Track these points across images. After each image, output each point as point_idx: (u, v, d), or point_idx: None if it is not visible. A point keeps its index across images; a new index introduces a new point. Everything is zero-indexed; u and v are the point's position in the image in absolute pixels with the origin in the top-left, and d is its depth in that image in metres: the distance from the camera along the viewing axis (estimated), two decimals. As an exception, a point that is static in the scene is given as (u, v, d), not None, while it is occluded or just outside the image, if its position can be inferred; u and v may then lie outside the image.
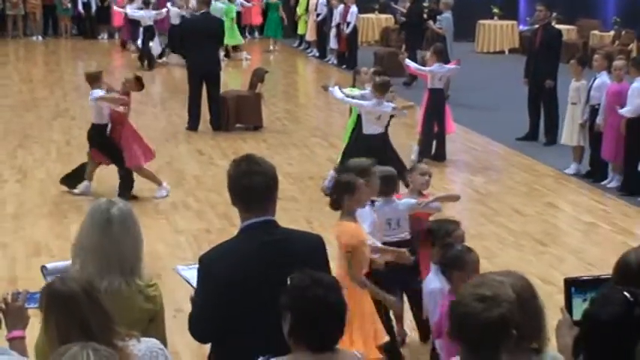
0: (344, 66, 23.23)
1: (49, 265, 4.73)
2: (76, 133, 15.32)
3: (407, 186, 8.19)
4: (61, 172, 12.22)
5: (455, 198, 8.73)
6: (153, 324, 4.39)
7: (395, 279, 7.06)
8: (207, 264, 4.39)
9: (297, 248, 4.42)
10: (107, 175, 11.90)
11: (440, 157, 13.86)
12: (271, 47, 26.86)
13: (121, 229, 4.29)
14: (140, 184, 11.93)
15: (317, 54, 25.85)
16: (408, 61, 14.55)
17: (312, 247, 4.49)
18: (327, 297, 3.61)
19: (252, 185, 4.36)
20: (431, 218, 7.54)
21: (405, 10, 22.57)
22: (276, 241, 4.39)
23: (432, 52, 14.27)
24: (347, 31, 23.25)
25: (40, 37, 28.36)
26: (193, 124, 15.87)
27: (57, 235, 10.23)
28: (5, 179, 12.57)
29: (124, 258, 4.30)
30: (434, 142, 13.95)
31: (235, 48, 25.35)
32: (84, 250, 4.34)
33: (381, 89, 11.15)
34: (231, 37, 23.99)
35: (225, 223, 10.44)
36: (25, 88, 20.08)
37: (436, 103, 13.83)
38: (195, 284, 4.51)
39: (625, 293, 3.49)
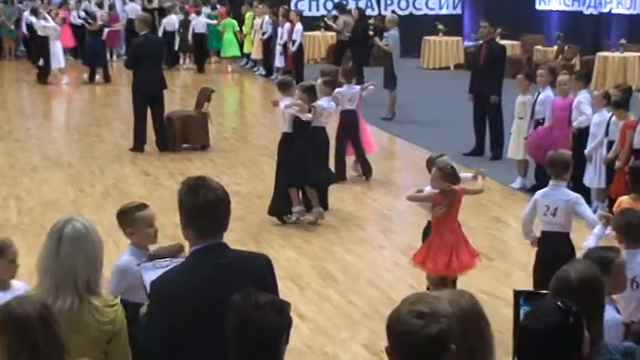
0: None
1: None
2: (20, 156, 15.17)
3: None
4: (6, 195, 12.06)
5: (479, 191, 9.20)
6: (112, 345, 4.36)
7: None
8: (159, 288, 4.36)
9: (248, 270, 4.40)
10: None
11: (367, 175, 13.72)
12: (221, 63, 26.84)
13: (72, 247, 4.25)
14: (84, 206, 11.82)
15: (263, 72, 25.84)
16: None
17: (263, 268, 4.49)
18: (268, 319, 3.60)
19: (214, 214, 4.33)
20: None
21: (337, 27, 22.71)
22: (227, 264, 4.36)
23: (341, 73, 14.15)
24: (293, 49, 23.29)
25: (-17, 60, 28.12)
26: (139, 145, 15.75)
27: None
28: (-52, 204, 12.37)
29: (76, 277, 4.26)
30: (357, 165, 13.88)
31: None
32: (40, 269, 4.34)
33: (330, 86, 12.48)
34: (230, 49, 26.34)
35: (173, 244, 10.34)
36: (-32, 110, 19.86)
37: (347, 125, 13.65)
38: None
39: (558, 303, 3.52)
